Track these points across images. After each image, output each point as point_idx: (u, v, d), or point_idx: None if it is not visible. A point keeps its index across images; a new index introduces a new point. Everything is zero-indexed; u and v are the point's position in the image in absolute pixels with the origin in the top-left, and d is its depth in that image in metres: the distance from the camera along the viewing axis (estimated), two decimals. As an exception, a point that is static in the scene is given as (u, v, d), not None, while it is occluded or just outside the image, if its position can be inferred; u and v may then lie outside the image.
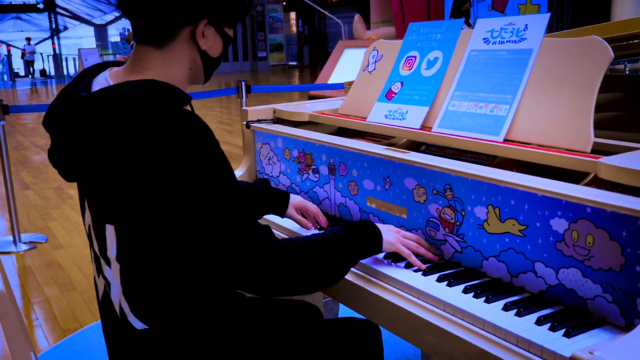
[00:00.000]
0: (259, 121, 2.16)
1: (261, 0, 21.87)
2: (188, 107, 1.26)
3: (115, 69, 1.31)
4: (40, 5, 23.29)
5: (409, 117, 1.73)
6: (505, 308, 1.21)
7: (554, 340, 1.09)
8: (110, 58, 24.56)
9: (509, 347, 1.12)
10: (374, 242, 1.41)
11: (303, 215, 1.79)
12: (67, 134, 1.20)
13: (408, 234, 1.49)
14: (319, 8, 9.69)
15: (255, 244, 1.21)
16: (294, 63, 25.38)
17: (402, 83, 1.83)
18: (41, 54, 24.58)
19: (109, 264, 1.27)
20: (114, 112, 1.15)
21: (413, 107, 1.74)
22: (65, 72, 23.43)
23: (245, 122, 2.17)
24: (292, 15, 27.30)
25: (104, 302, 1.34)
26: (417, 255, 1.46)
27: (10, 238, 4.30)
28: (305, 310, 1.73)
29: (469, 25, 7.87)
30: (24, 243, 4.27)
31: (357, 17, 10.73)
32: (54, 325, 3.07)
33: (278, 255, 1.23)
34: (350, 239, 1.36)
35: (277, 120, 2.20)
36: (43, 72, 24.24)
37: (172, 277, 1.23)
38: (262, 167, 2.18)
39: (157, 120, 1.13)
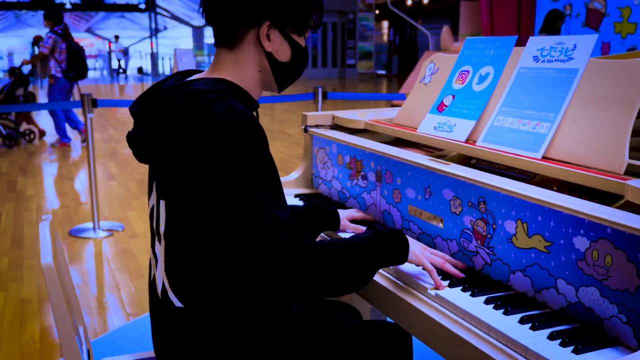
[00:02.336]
0: (317, 126, 2.25)
1: (353, 8, 22.05)
2: (254, 112, 1.36)
3: (200, 73, 1.44)
4: (142, 5, 24.45)
5: (456, 130, 1.77)
6: (522, 321, 1.24)
7: (562, 355, 1.11)
8: (205, 59, 25.45)
9: (518, 358, 1.15)
10: (400, 251, 1.45)
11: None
12: (144, 117, 1.35)
13: (436, 251, 1.52)
14: (406, 17, 9.69)
15: (284, 243, 1.27)
16: (383, 72, 25.41)
17: (453, 96, 1.86)
18: (139, 52, 25.75)
19: (159, 240, 1.39)
20: (181, 101, 1.29)
21: (461, 120, 1.78)
22: (161, 71, 24.46)
23: (304, 127, 2.26)
24: (385, 24, 27.35)
25: (152, 279, 1.47)
26: (442, 272, 1.49)
27: (91, 225, 4.59)
28: (344, 310, 1.79)
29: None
30: (103, 230, 4.54)
31: (445, 28, 10.68)
32: (120, 308, 3.28)
33: (304, 256, 1.29)
34: (376, 244, 1.41)
35: (336, 127, 2.27)
36: (140, 70, 25.40)
37: (210, 260, 1.32)
38: (318, 171, 2.27)
39: (213, 113, 1.25)
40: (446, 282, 1.44)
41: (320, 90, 4.82)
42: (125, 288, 3.54)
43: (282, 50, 1.42)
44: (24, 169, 6.93)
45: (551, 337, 1.17)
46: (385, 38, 27.00)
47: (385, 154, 1.79)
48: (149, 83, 20.96)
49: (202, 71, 1.47)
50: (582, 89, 1.49)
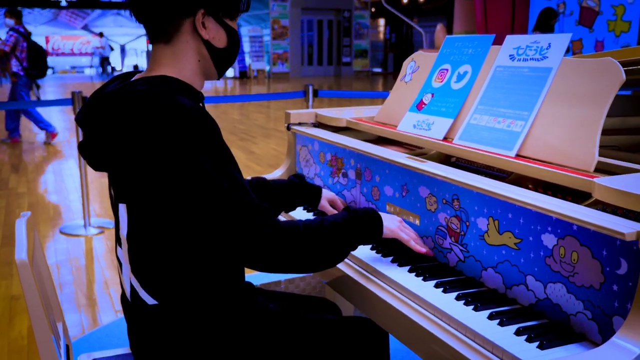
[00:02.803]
0: (299, 124, 2.26)
1: (349, 6, 22.04)
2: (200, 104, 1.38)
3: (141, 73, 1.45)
4: (139, 3, 24.37)
5: (434, 128, 1.78)
6: (491, 317, 1.25)
7: (527, 351, 1.12)
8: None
9: (485, 354, 1.16)
10: (375, 226, 1.49)
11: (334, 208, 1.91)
12: (91, 125, 1.35)
13: (408, 226, 1.57)
14: (400, 15, 9.70)
15: (254, 219, 1.29)
16: (379, 70, 25.41)
17: (432, 95, 1.88)
18: (135, 49, 25.69)
19: (121, 244, 1.40)
20: (126, 103, 1.29)
21: (439, 118, 1.79)
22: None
23: (286, 125, 2.28)
24: (381, 22, 27.34)
25: (120, 281, 1.48)
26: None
27: (82, 222, 4.59)
28: (323, 307, 1.81)
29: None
30: (93, 227, 4.55)
31: (439, 26, 10.67)
32: (109, 305, 3.29)
33: (275, 231, 1.31)
34: (350, 220, 1.44)
35: (319, 125, 2.29)
36: (136, 67, 25.39)
37: (177, 254, 1.34)
38: (301, 168, 2.28)
39: (157, 110, 1.26)
40: (420, 277, 1.46)
41: (310, 88, 4.83)
42: (114, 285, 3.55)
43: (218, 37, 1.43)
44: (16, 166, 6.93)
45: (518, 332, 1.19)
46: (381, 36, 27.00)
47: (363, 151, 1.81)
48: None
49: (141, 71, 1.47)
50: (555, 88, 1.50)
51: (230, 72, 21.68)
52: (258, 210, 1.31)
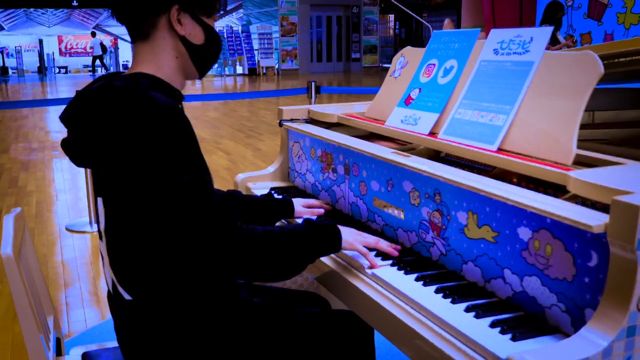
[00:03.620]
0: (292, 120, 2.28)
1: (357, 2, 22.01)
2: (178, 103, 1.40)
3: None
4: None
5: (421, 123, 1.79)
6: (467, 310, 1.26)
7: (499, 343, 1.13)
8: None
9: (458, 346, 1.17)
10: (333, 240, 1.49)
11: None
12: (71, 121, 1.38)
13: (367, 236, 1.56)
14: (407, 10, 9.68)
15: (217, 226, 1.31)
16: (388, 65, 25.32)
17: (420, 90, 1.89)
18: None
19: (101, 237, 1.43)
20: (102, 101, 1.32)
21: (426, 113, 1.80)
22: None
23: (279, 121, 2.29)
24: (391, 17, 27.26)
25: (104, 275, 1.51)
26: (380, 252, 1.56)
27: (87, 219, 4.64)
28: (310, 301, 1.82)
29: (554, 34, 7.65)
30: (99, 224, 4.59)
31: (447, 21, 10.65)
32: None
33: (237, 232, 1.33)
34: (308, 235, 1.45)
35: (311, 121, 2.30)
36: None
37: (151, 250, 1.36)
38: (294, 164, 2.30)
39: (131, 106, 1.29)
40: (401, 271, 1.47)
41: (313, 84, 4.84)
42: (116, 281, 3.58)
43: (195, 33, 1.45)
44: (26, 164, 7.00)
45: (492, 325, 1.20)
46: (390, 32, 26.93)
47: (349, 147, 1.82)
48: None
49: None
50: (536, 81, 1.50)
51: (239, 70, 21.73)
52: (221, 213, 1.32)
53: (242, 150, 7.49)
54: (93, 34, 26.53)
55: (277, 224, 1.90)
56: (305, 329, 1.57)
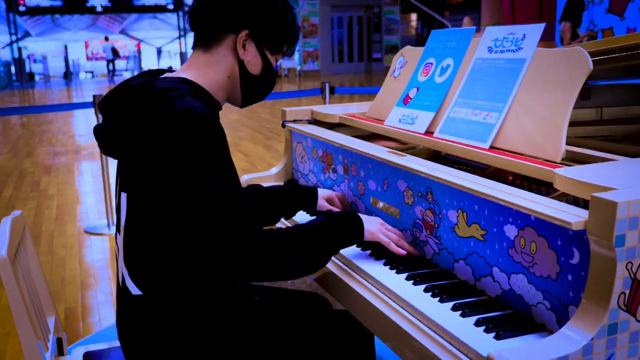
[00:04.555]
0: (294, 121, 2.29)
1: (378, 2, 21.96)
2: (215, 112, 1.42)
3: (171, 72, 1.51)
4: (170, 6, 24.72)
5: (417, 122, 1.79)
6: (454, 308, 1.26)
7: (482, 341, 1.13)
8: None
9: (443, 344, 1.17)
10: (355, 230, 1.50)
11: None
12: (109, 113, 1.42)
13: (391, 227, 1.57)
14: (426, 9, 9.64)
15: (239, 231, 1.33)
16: (411, 65, 25.16)
17: (418, 89, 1.88)
18: (169, 52, 26.03)
19: (120, 231, 1.46)
20: (141, 98, 1.35)
21: (422, 112, 1.80)
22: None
23: (282, 122, 2.31)
24: (413, 16, 27.15)
25: (116, 269, 1.53)
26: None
27: (105, 222, 4.71)
28: (310, 300, 1.83)
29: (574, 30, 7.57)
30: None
31: (466, 19, 10.58)
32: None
33: (257, 243, 1.35)
34: (331, 226, 1.46)
35: (315, 122, 2.31)
36: (170, 69, 25.71)
37: (166, 248, 1.38)
38: (297, 164, 2.31)
39: (170, 109, 1.31)
40: (393, 270, 1.47)
41: (327, 85, 4.85)
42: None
43: (254, 62, 1.50)
44: (48, 168, 7.12)
45: (478, 323, 1.19)
46: (412, 31, 26.81)
47: (346, 147, 1.83)
48: (178, 82, 21.23)
49: (171, 70, 1.52)
50: (528, 79, 1.50)
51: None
52: (244, 218, 1.34)
53: (260, 152, 7.53)
54: (106, 39, 26.85)
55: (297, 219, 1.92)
56: (304, 329, 1.58)
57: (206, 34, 1.47)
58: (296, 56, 21.58)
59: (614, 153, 1.41)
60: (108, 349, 1.70)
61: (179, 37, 26.16)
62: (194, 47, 1.51)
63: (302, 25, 21.10)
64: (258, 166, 6.65)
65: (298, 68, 21.70)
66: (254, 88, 1.54)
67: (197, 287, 1.43)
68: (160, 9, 24.79)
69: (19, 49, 23.68)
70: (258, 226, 1.40)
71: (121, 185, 1.45)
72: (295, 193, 1.90)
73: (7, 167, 7.26)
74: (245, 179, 2.34)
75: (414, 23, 26.72)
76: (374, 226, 1.53)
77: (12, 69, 22.54)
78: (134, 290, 1.44)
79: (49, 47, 32.73)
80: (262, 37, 1.49)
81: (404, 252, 1.52)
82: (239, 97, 1.55)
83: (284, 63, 21.17)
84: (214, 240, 1.32)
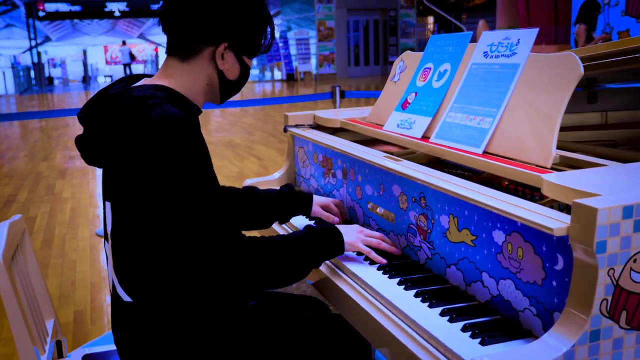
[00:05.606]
0: (296, 126, 2.30)
1: (394, 5, 21.94)
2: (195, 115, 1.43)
3: (149, 78, 1.51)
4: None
5: (415, 127, 1.79)
6: (442, 313, 1.27)
7: (467, 346, 1.13)
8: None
9: (429, 349, 1.17)
10: (335, 244, 1.51)
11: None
12: (88, 122, 1.43)
13: (371, 232, 1.58)
14: (440, 12, 9.62)
15: (221, 238, 1.34)
16: (427, 68, 25.11)
17: (416, 94, 1.89)
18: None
19: (107, 240, 1.47)
20: (120, 107, 1.36)
21: (420, 117, 1.80)
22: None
23: (284, 127, 2.32)
24: (430, 19, 27.09)
25: (108, 276, 1.55)
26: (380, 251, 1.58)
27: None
28: (307, 304, 1.84)
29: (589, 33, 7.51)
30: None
31: (481, 22, 10.55)
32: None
33: (240, 248, 1.36)
34: (309, 241, 1.46)
35: (317, 127, 2.32)
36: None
37: (153, 255, 1.39)
38: (299, 169, 2.32)
39: (149, 117, 1.31)
40: (386, 275, 1.48)
41: (337, 89, 4.86)
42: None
43: (232, 70, 1.50)
44: (63, 172, 7.20)
45: (464, 329, 1.19)
46: (429, 34, 26.74)
47: (344, 151, 1.83)
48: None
49: (149, 76, 1.53)
50: (521, 84, 1.49)
51: (277, 75, 21.89)
52: (227, 223, 1.35)
53: (273, 156, 7.56)
54: (124, 43, 27.08)
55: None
56: (300, 333, 1.59)
57: (184, 45, 1.45)
58: (312, 59, 21.62)
59: (609, 158, 1.40)
60: (107, 352, 1.73)
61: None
62: (170, 53, 1.48)
63: (318, 29, 21.14)
64: (271, 170, 6.68)
65: (314, 72, 21.73)
66: (232, 89, 1.55)
67: (187, 292, 1.44)
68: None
69: (39, 53, 23.98)
70: (240, 231, 1.41)
71: (105, 195, 1.47)
72: (290, 198, 1.90)
73: (23, 170, 7.36)
74: (247, 182, 2.35)
75: (430, 26, 26.65)
76: (352, 236, 1.54)
77: (32, 73, 22.83)
78: (125, 297, 1.45)
79: (69, 51, 33.11)
80: (241, 47, 1.49)
81: (384, 261, 1.52)
82: (217, 98, 1.56)
83: (300, 67, 21.22)
84: (202, 244, 1.33)
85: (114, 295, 1.48)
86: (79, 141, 1.47)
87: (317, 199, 1.93)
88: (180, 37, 1.45)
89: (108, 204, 1.45)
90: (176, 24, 1.45)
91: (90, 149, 1.44)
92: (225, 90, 1.54)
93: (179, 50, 1.46)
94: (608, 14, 9.01)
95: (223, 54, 1.46)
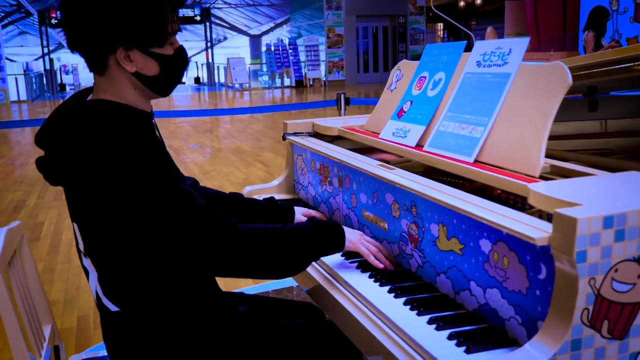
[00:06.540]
0: (295, 134, 2.32)
1: (404, 12, 21.96)
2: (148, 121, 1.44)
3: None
4: (198, 17, 24.99)
5: (409, 136, 1.81)
6: (430, 321, 1.27)
7: (452, 354, 1.14)
8: (258, 67, 25.80)
9: (414, 356, 1.18)
10: (336, 238, 1.53)
11: None
12: (45, 145, 1.43)
13: (371, 240, 1.60)
14: (448, 19, 9.63)
15: (211, 225, 1.36)
16: (437, 74, 25.08)
17: (411, 102, 1.90)
18: (196, 62, 26.32)
19: (85, 255, 1.49)
20: (69, 128, 1.37)
21: (414, 125, 1.81)
22: (216, 80, 24.98)
23: (283, 134, 2.34)
24: (439, 26, 27.10)
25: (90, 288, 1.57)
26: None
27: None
28: (303, 310, 1.85)
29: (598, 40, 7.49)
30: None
31: (489, 29, 10.53)
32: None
33: (235, 235, 1.38)
34: (312, 232, 1.48)
35: (315, 135, 2.34)
36: (197, 80, 25.98)
37: (134, 265, 1.41)
38: (298, 177, 2.34)
39: (95, 133, 1.33)
40: (377, 283, 1.49)
41: (342, 96, 4.88)
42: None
43: (147, 66, 1.42)
44: (72, 178, 7.25)
45: (450, 337, 1.20)
46: (438, 41, 26.74)
47: (339, 160, 1.85)
48: (205, 92, 21.46)
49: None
50: (512, 94, 1.50)
51: (286, 82, 21.95)
52: (212, 212, 1.37)
53: (280, 162, 7.57)
54: None
55: None
56: (290, 340, 1.60)
57: (92, 63, 1.42)
58: (322, 66, 21.66)
59: (601, 167, 1.41)
60: (104, 357, 1.74)
61: (207, 48, 26.47)
62: (91, 71, 1.44)
63: (327, 35, 21.18)
64: (276, 176, 6.66)
65: (323, 78, 21.77)
66: (163, 83, 1.47)
67: (172, 297, 1.46)
68: (188, 20, 25.06)
69: (51, 60, 24.16)
70: (231, 217, 1.42)
71: (72, 216, 1.47)
72: (272, 208, 1.90)
73: (33, 176, 7.42)
74: (246, 190, 2.38)
75: (440, 33, 26.65)
76: (354, 236, 1.57)
77: (44, 80, 23.01)
78: (112, 307, 1.47)
79: (81, 58, 33.26)
80: (140, 42, 1.39)
81: (381, 265, 1.54)
82: (156, 95, 1.49)
83: (309, 73, 21.26)
84: (189, 238, 1.35)
85: (100, 306, 1.50)
86: (40, 162, 1.46)
87: (299, 210, 1.93)
88: (85, 55, 1.42)
89: (75, 224, 1.46)
90: (74, 46, 1.41)
91: (50, 170, 1.44)
92: (156, 86, 1.46)
93: (91, 68, 1.43)
94: (617, 21, 8.99)
95: (128, 55, 1.39)
